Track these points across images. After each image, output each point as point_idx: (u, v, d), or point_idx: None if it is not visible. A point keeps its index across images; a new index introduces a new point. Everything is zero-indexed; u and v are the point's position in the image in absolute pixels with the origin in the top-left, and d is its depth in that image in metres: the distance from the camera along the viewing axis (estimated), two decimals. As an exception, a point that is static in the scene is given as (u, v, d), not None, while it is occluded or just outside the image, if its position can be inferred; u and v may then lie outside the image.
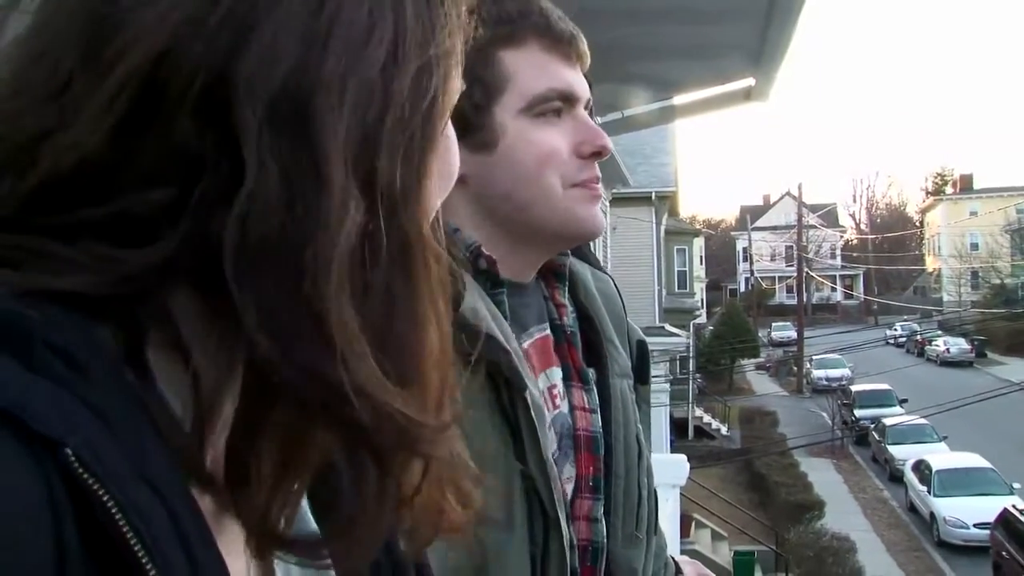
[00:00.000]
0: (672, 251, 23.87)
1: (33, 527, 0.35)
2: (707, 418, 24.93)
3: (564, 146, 1.01)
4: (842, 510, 18.09)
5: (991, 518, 15.68)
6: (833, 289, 60.27)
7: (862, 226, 68.51)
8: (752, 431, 23.77)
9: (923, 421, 21.35)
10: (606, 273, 1.23)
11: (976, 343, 38.19)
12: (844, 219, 68.32)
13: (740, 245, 61.93)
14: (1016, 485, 17.80)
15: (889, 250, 62.20)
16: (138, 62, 0.42)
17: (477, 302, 0.96)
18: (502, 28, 0.99)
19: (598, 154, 1.04)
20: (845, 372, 31.70)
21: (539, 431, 0.97)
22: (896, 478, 20.89)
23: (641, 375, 1.20)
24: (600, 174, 1.06)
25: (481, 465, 0.94)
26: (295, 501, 0.49)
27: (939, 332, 40.96)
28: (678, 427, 21.13)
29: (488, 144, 0.99)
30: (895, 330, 44.22)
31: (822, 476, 20.32)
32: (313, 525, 0.54)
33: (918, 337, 41.45)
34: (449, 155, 0.54)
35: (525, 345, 1.03)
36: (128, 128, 0.43)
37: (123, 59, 0.42)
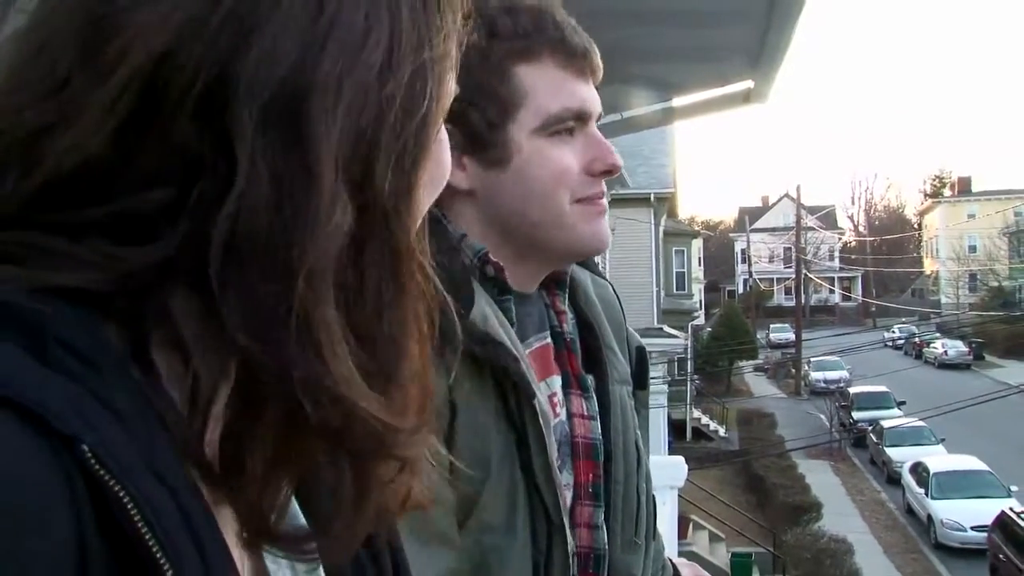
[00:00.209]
0: (670, 252, 23.87)
1: (56, 519, 0.36)
2: (705, 420, 24.95)
3: (576, 164, 1.01)
4: (840, 512, 18.10)
5: (988, 521, 15.69)
6: (831, 291, 60.33)
7: (860, 228, 68.56)
8: (750, 433, 23.78)
9: (921, 423, 21.36)
10: (605, 279, 1.23)
11: (974, 346, 38.25)
12: (842, 221, 68.45)
13: (738, 247, 61.98)
14: (1014, 488, 17.82)
15: (887, 252, 62.27)
16: (140, 63, 0.42)
17: (486, 309, 0.96)
18: (518, 42, 0.98)
19: (608, 172, 1.03)
20: (843, 374, 31.74)
21: (546, 438, 0.97)
22: (894, 480, 20.90)
23: (640, 381, 1.20)
24: (606, 188, 1.06)
25: (486, 470, 0.94)
26: (286, 496, 0.49)
27: (937, 334, 41.01)
28: (676, 428, 21.14)
29: (501, 161, 0.99)
30: (893, 332, 44.26)
31: (820, 478, 20.33)
32: (302, 519, 0.55)
33: (916, 339, 41.50)
34: (441, 161, 0.54)
35: (525, 354, 1.02)
36: (130, 129, 0.43)
37: (125, 59, 0.42)
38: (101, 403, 0.39)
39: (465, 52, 0.99)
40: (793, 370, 35.08)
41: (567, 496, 1.03)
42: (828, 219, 62.88)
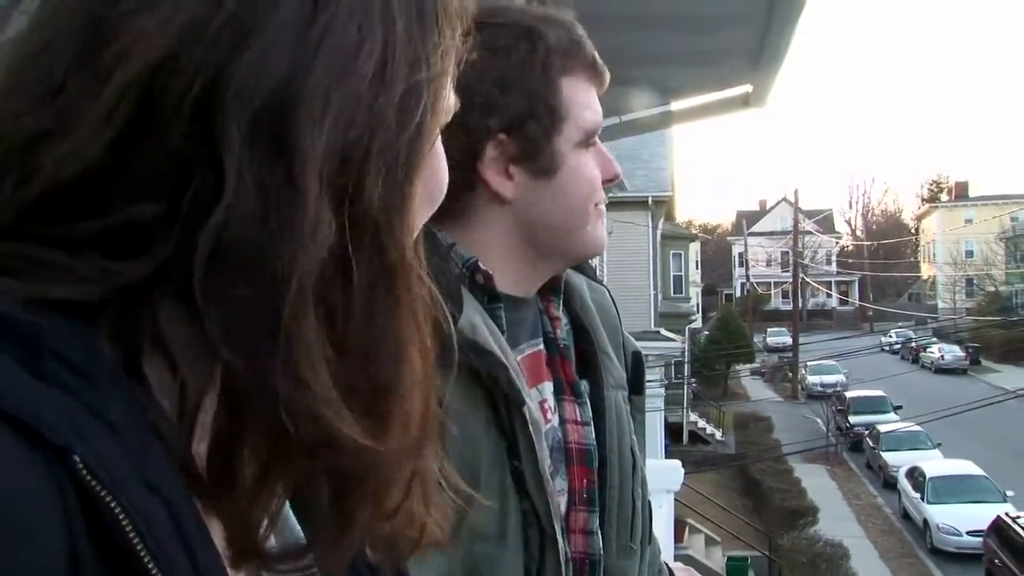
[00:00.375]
0: (668, 256, 23.89)
1: (49, 529, 0.37)
2: (702, 423, 24.95)
3: (597, 177, 1.06)
4: (836, 516, 18.10)
5: (984, 526, 15.71)
6: (828, 295, 60.39)
7: (858, 232, 68.65)
8: (747, 436, 23.79)
9: (917, 428, 21.39)
10: (601, 284, 1.23)
11: (970, 350, 38.30)
12: (840, 225, 68.51)
13: (736, 250, 62.06)
14: (1009, 493, 17.82)
15: (884, 257, 62.38)
16: (138, 69, 0.42)
17: (475, 317, 0.96)
18: (564, 56, 1.00)
19: (611, 180, 1.08)
20: (840, 378, 31.76)
21: (536, 446, 0.97)
22: (890, 485, 20.91)
23: (636, 386, 1.20)
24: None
25: (476, 478, 0.94)
26: (278, 508, 0.49)
27: (934, 339, 41.07)
28: (673, 432, 21.14)
29: (549, 172, 1.01)
30: (890, 337, 44.31)
31: (816, 482, 20.34)
32: (298, 531, 0.54)
33: (913, 344, 41.55)
34: (437, 175, 0.54)
35: (516, 360, 1.02)
36: (127, 137, 0.43)
37: (122, 64, 0.42)
38: (94, 415, 0.40)
39: (523, 64, 0.99)
40: (790, 374, 35.11)
41: (561, 502, 1.03)
42: (825, 223, 62.94)
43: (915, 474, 19.22)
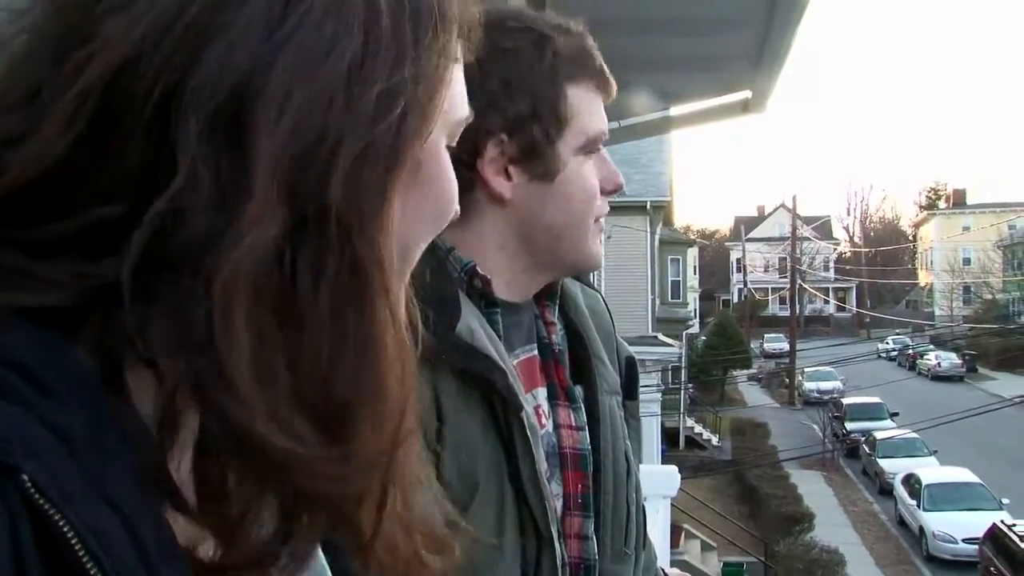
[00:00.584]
0: (666, 261, 23.90)
1: None
2: (698, 428, 24.94)
3: (596, 186, 1.06)
4: (832, 523, 18.10)
5: (980, 533, 15.71)
6: (826, 301, 60.44)
7: (856, 239, 68.74)
8: (743, 442, 23.77)
9: (914, 435, 21.39)
10: (596, 290, 1.23)
11: (967, 358, 38.33)
12: (838, 232, 68.58)
13: (734, 256, 62.12)
14: (1005, 500, 17.84)
15: (882, 263, 62.44)
16: (100, 71, 0.42)
17: (473, 321, 0.96)
18: (572, 63, 1.01)
19: (614, 191, 1.08)
20: (836, 385, 31.76)
21: (534, 450, 0.97)
22: (886, 491, 20.92)
23: (630, 391, 1.20)
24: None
25: (474, 483, 0.94)
26: (270, 520, 0.47)
27: (931, 346, 41.11)
28: (669, 437, 21.14)
29: (548, 175, 1.01)
30: (887, 344, 44.35)
31: (812, 488, 20.33)
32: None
33: (910, 351, 41.57)
34: (441, 187, 0.53)
35: (513, 366, 1.02)
36: (90, 139, 0.42)
37: (87, 68, 0.42)
38: (52, 430, 0.39)
39: (529, 67, 0.98)
40: (787, 380, 35.10)
41: (557, 507, 1.03)
42: (823, 230, 63.03)
43: (911, 481, 19.22)
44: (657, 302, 20.75)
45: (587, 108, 1.02)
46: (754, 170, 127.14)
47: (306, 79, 0.44)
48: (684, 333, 23.79)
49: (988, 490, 18.43)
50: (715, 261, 64.77)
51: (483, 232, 1.02)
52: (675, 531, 11.51)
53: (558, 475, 1.05)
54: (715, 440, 24.84)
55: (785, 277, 49.80)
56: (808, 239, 54.52)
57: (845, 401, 28.39)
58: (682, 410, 23.46)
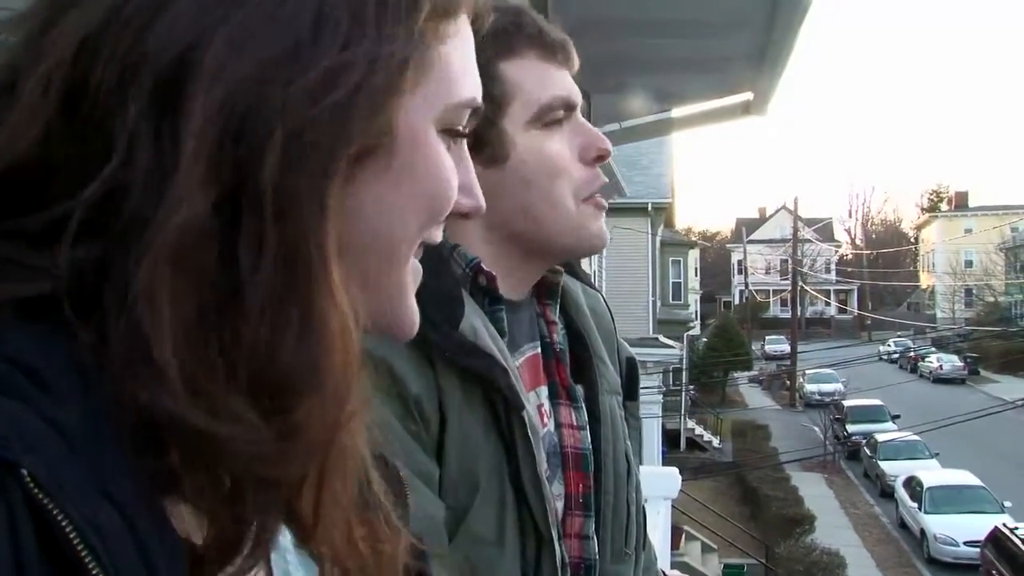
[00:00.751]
0: (667, 262, 23.89)
1: None
2: (699, 430, 24.92)
3: (569, 152, 1.02)
4: (833, 525, 18.07)
5: (981, 536, 15.68)
6: (827, 304, 60.40)
7: (857, 241, 68.69)
8: (744, 444, 23.76)
9: (915, 437, 21.35)
10: (596, 290, 1.23)
11: (969, 361, 38.29)
12: (839, 234, 68.55)
13: (735, 258, 62.07)
14: (1007, 503, 17.80)
15: (884, 266, 62.37)
16: (60, 56, 0.42)
17: (476, 320, 0.95)
18: (499, 41, 0.98)
19: (601, 157, 1.04)
20: (838, 387, 31.74)
21: (534, 449, 0.96)
22: (887, 494, 20.89)
23: (630, 392, 1.19)
24: (606, 179, 1.07)
25: (475, 483, 0.94)
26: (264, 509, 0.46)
27: (932, 349, 41.06)
28: (670, 439, 21.11)
29: (499, 158, 0.99)
30: (888, 346, 44.30)
31: (813, 490, 20.31)
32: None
33: (911, 353, 41.52)
34: (430, 174, 0.51)
35: (517, 363, 1.02)
36: (60, 122, 0.42)
37: (51, 51, 0.42)
38: (51, 425, 0.38)
39: None
40: (788, 382, 35.07)
41: (558, 507, 1.03)
42: (825, 232, 62.99)
43: (913, 483, 19.19)
44: (658, 304, 20.74)
45: (533, 79, 0.99)
46: (755, 172, 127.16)
47: (244, 53, 0.43)
48: (685, 335, 23.78)
49: (990, 493, 18.40)
50: (716, 263, 64.76)
51: (464, 229, 0.99)
52: (676, 533, 11.49)
53: (560, 475, 1.05)
54: (716, 442, 24.82)
55: (786, 279, 49.75)
56: (809, 241, 54.50)
57: (846, 403, 28.36)
58: (683, 412, 23.44)
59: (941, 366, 38.12)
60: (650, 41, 4.98)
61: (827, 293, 60.30)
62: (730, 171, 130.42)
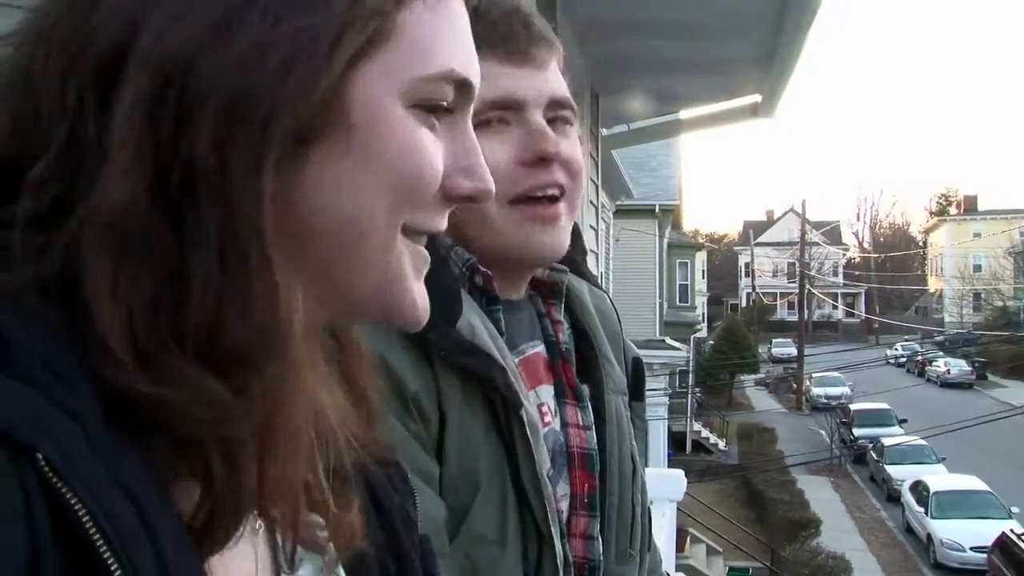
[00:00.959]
0: (674, 264, 23.85)
1: (8, 525, 0.36)
2: (705, 433, 24.87)
3: (506, 156, 0.96)
4: (838, 529, 18.01)
5: (989, 542, 15.60)
6: (834, 307, 60.19)
7: (865, 244, 68.45)
8: (750, 447, 23.69)
9: (922, 442, 21.27)
10: (602, 290, 1.23)
11: (977, 365, 38.11)
12: (847, 237, 68.34)
13: (742, 260, 61.94)
14: (1015, 509, 17.71)
15: (892, 269, 62.17)
16: (20, 46, 0.44)
17: (474, 318, 0.95)
18: None
19: (542, 160, 0.97)
20: (844, 390, 31.62)
21: (534, 449, 0.96)
22: (894, 498, 20.79)
23: (636, 392, 1.19)
24: (562, 181, 0.99)
25: (476, 483, 0.94)
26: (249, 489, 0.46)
27: (940, 353, 40.89)
28: (676, 441, 21.07)
29: None
30: (896, 350, 44.13)
31: (819, 494, 20.24)
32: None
33: (919, 357, 41.36)
34: (388, 147, 0.48)
35: (515, 362, 1.01)
36: (24, 111, 0.44)
37: (17, 43, 0.45)
38: (66, 413, 0.39)
39: None
40: (795, 385, 34.96)
41: (563, 507, 1.03)
42: (833, 235, 62.80)
43: (919, 488, 19.11)
44: (665, 306, 20.70)
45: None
46: (764, 175, 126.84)
47: (175, 30, 0.43)
48: (692, 337, 23.73)
49: (997, 498, 18.30)
50: (724, 265, 64.59)
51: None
52: (681, 535, 11.47)
53: (566, 474, 1.05)
54: (722, 444, 24.76)
55: (794, 282, 49.58)
56: (817, 244, 54.36)
57: (853, 407, 28.26)
58: (689, 414, 23.40)
59: (949, 370, 37.95)
60: (658, 43, 4.97)
61: (834, 296, 60.10)
62: (738, 173, 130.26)
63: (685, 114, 6.84)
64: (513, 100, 0.97)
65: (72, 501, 0.38)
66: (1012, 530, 15.31)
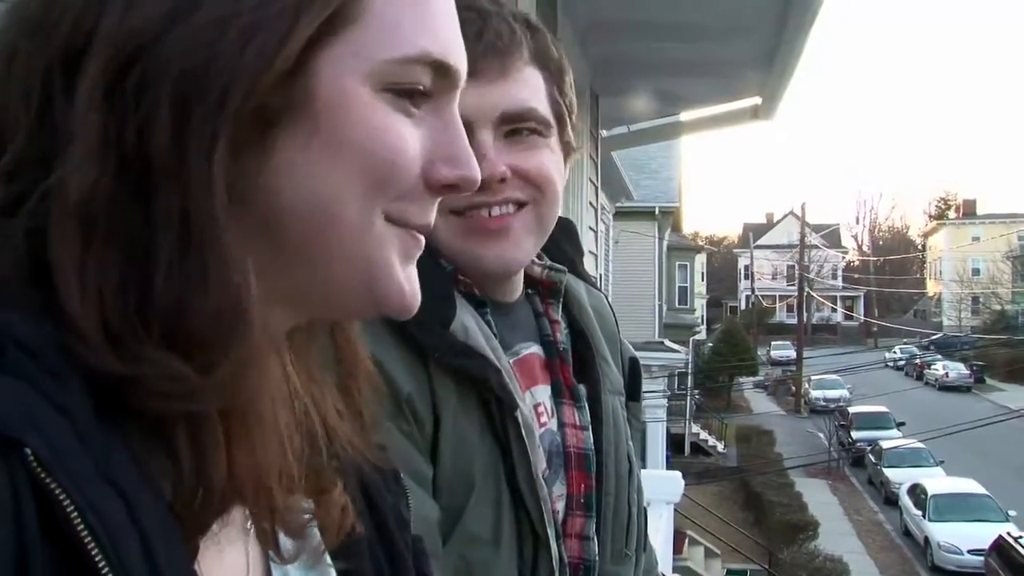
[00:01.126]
0: (674, 266, 23.86)
1: None
2: (704, 435, 24.87)
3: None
4: (836, 531, 18.01)
5: (986, 545, 15.62)
6: (833, 310, 60.22)
7: (864, 248, 68.48)
8: (749, 449, 23.70)
9: (920, 445, 21.28)
10: (600, 290, 1.23)
11: (975, 368, 38.13)
12: (846, 240, 68.37)
13: (742, 263, 61.98)
14: (1012, 512, 17.72)
15: (890, 272, 62.22)
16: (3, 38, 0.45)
17: (468, 320, 0.95)
18: None
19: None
20: (843, 393, 31.64)
21: (529, 450, 0.96)
22: (891, 501, 20.81)
23: (632, 392, 1.19)
24: (516, 197, 0.98)
25: (470, 484, 0.94)
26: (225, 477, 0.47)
27: (938, 356, 40.91)
28: (675, 443, 21.07)
29: None
30: (894, 353, 44.15)
31: (817, 497, 20.25)
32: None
33: (917, 360, 41.38)
34: (356, 131, 0.47)
35: (509, 363, 1.01)
36: (10, 104, 0.44)
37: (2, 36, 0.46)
38: (56, 409, 0.39)
39: None
40: (793, 388, 34.98)
41: (559, 507, 1.03)
42: (832, 238, 62.84)
43: (917, 491, 19.12)
44: (664, 308, 20.71)
45: None
46: (763, 177, 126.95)
47: (137, 8, 0.43)
48: (691, 339, 23.75)
49: (995, 501, 18.31)
50: (723, 268, 64.64)
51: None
52: (679, 537, 11.47)
53: (562, 475, 1.05)
54: (721, 447, 24.76)
55: (793, 285, 49.61)
56: (816, 247, 54.41)
57: (851, 410, 28.28)
58: (688, 416, 23.40)
59: (947, 374, 37.96)
60: (659, 44, 4.98)
61: (833, 299, 60.12)
62: (738, 176, 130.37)
63: (685, 116, 6.84)
64: None
65: (60, 497, 0.37)
66: (1009, 533, 15.33)
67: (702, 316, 32.70)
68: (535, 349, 1.07)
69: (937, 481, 19.77)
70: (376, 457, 0.58)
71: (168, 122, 0.42)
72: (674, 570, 6.64)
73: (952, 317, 53.20)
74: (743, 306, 59.85)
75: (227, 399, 0.44)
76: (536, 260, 1.08)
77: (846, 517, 20.36)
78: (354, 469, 0.57)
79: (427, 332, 0.90)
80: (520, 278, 1.07)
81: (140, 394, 0.42)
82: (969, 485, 19.30)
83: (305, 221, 0.47)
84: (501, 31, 0.96)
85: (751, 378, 35.19)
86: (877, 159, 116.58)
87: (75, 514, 0.37)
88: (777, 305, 60.37)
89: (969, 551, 16.45)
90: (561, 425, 1.06)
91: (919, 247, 67.25)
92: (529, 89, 0.98)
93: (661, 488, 5.29)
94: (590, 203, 6.18)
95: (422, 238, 0.52)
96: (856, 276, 62.41)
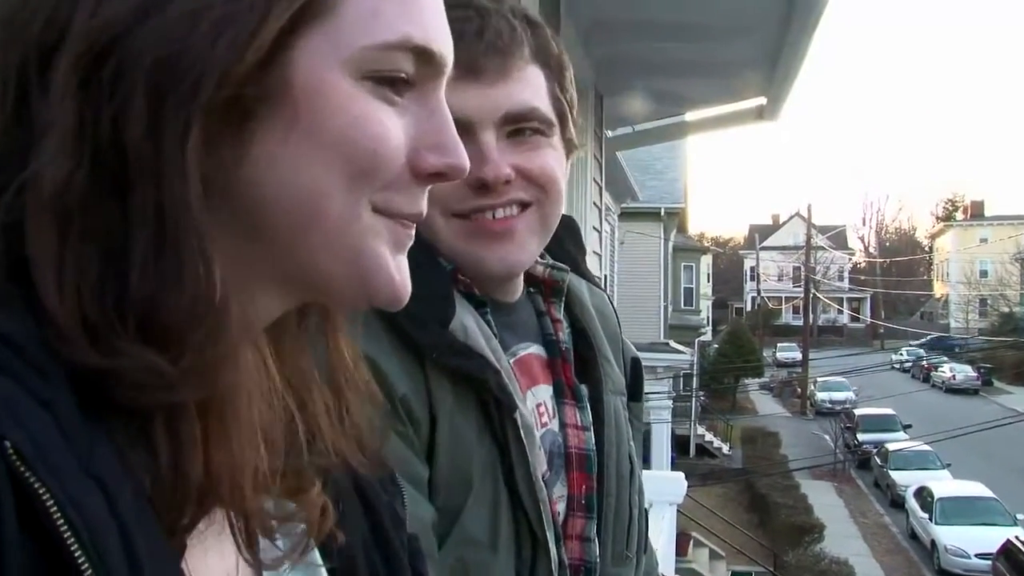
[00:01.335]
0: (679, 267, 23.85)
1: None
2: (709, 436, 24.83)
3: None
4: (842, 534, 17.96)
5: (993, 548, 15.54)
6: (840, 311, 60.11)
7: (871, 249, 68.34)
8: (754, 451, 23.65)
9: (926, 447, 21.21)
10: (602, 290, 1.22)
11: (982, 371, 38.00)
12: (853, 242, 68.21)
13: (748, 264, 61.89)
14: (1020, 516, 17.65)
15: (897, 274, 62.08)
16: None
17: (467, 319, 0.95)
18: None
19: (485, 185, 0.95)
20: (849, 395, 31.59)
21: (528, 451, 0.95)
22: (897, 504, 20.74)
23: (634, 392, 1.18)
24: (520, 197, 0.97)
25: (468, 484, 0.93)
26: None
27: (945, 358, 40.79)
28: (680, 444, 21.05)
29: None
30: (901, 355, 44.03)
31: (823, 499, 20.20)
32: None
33: (924, 363, 41.26)
34: (335, 120, 0.46)
35: (509, 364, 1.00)
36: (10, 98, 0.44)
37: None
38: (40, 403, 0.39)
39: None
40: (799, 389, 34.91)
41: (560, 508, 1.02)
42: (838, 239, 62.70)
43: (923, 494, 19.06)
44: (670, 309, 20.70)
45: None
46: (769, 179, 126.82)
47: (103, 5, 0.43)
48: (696, 340, 23.71)
49: (1002, 505, 18.24)
50: (729, 269, 64.58)
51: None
52: (684, 539, 11.45)
53: (563, 476, 1.04)
54: (726, 448, 24.71)
55: (799, 286, 49.53)
56: (823, 248, 54.25)
57: (857, 412, 28.22)
58: (693, 418, 23.37)
59: (954, 376, 37.85)
60: (663, 44, 4.97)
61: (840, 301, 60.01)
62: (744, 177, 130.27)
63: (690, 116, 6.84)
64: (457, 120, 0.94)
65: (40, 492, 0.37)
66: (1017, 537, 15.26)
67: (707, 317, 32.70)
68: (534, 349, 1.06)
69: (944, 484, 19.71)
70: (369, 457, 0.57)
71: (142, 111, 0.42)
72: (679, 572, 6.62)
73: (959, 319, 53.05)
74: (749, 307, 59.75)
75: (203, 390, 0.44)
76: (538, 259, 1.07)
77: (852, 520, 20.30)
78: (345, 469, 0.56)
79: (425, 331, 0.90)
80: (521, 277, 1.06)
81: (119, 387, 0.41)
82: (976, 488, 19.23)
83: (290, 213, 0.46)
84: (501, 29, 0.96)
85: (757, 380, 35.13)
86: (884, 160, 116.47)
87: (55, 508, 0.37)
88: (783, 307, 60.28)
89: (976, 555, 16.39)
90: (563, 426, 1.05)
91: (926, 249, 67.11)
92: (531, 88, 0.98)
93: (664, 489, 5.27)
94: (594, 203, 6.17)
95: (413, 228, 0.51)
96: (863, 278, 62.28)
